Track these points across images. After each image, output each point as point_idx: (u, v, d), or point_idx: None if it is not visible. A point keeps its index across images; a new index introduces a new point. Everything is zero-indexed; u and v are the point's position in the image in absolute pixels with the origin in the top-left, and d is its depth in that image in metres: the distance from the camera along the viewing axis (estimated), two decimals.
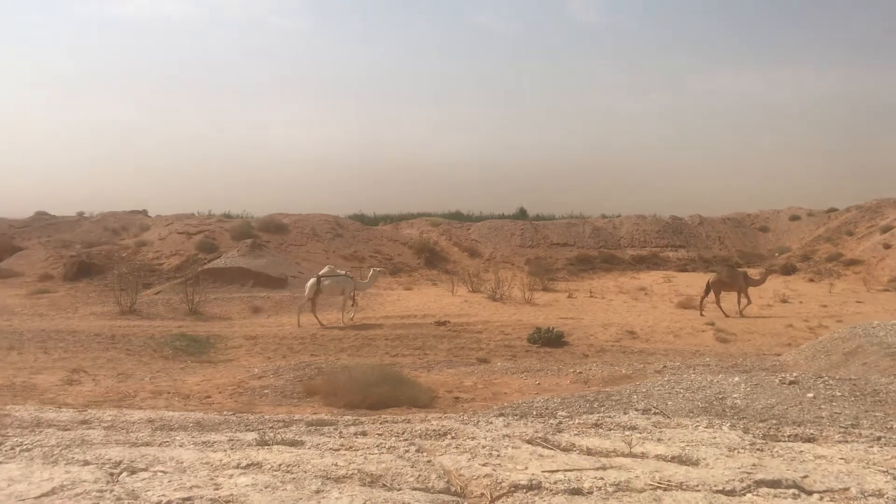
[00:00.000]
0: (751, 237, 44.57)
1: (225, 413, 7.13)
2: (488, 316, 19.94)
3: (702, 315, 20.46)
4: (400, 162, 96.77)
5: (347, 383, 9.02)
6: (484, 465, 4.06)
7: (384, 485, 3.64)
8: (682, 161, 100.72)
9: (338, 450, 4.40)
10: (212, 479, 3.52)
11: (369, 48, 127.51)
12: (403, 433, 5.15)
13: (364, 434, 5.17)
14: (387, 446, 4.52)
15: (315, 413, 7.44)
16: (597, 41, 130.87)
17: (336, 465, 3.89)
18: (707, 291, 21.33)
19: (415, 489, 3.59)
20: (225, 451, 4.30)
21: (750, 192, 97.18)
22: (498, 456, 4.29)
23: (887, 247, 34.55)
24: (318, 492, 3.37)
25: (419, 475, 3.79)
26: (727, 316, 20.33)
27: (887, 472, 4.39)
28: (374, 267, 23.64)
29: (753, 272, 23.39)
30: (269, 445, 4.52)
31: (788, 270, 31.71)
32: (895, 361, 10.12)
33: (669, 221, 43.33)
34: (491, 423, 5.68)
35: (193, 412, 7.21)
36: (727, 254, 40.77)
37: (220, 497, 3.22)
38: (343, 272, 20.44)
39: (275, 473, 3.70)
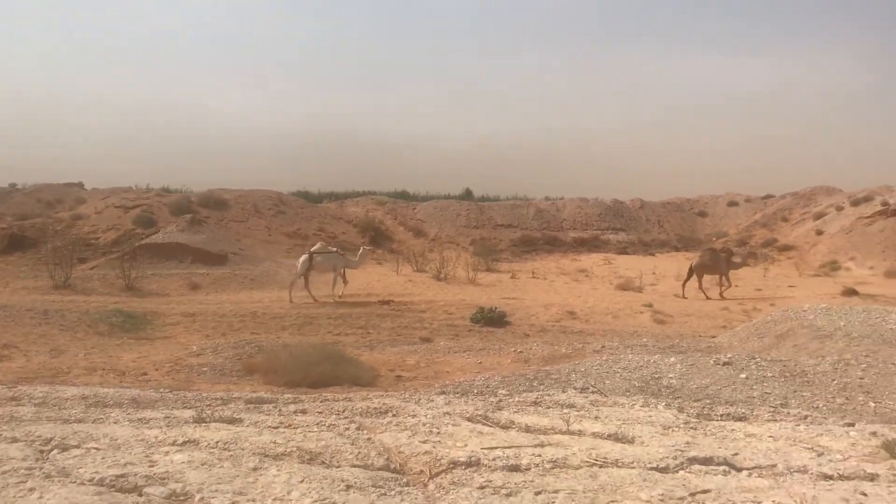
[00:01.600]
0: (689, 221, 45.54)
1: (162, 390, 7.00)
2: (432, 295, 19.99)
3: (683, 297, 21.08)
4: (346, 140, 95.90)
5: (288, 361, 8.93)
6: (424, 442, 4.08)
7: (323, 462, 3.63)
8: (626, 145, 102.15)
9: (277, 427, 4.37)
10: (147, 457, 3.46)
11: (320, 25, 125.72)
12: (344, 411, 5.14)
13: (304, 412, 5.14)
14: (327, 424, 4.51)
15: (254, 391, 7.36)
16: (548, 24, 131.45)
17: (275, 442, 3.86)
18: (690, 274, 21.87)
19: (354, 466, 3.59)
20: (161, 428, 4.24)
21: (690, 178, 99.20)
22: (438, 433, 4.31)
23: (819, 233, 35.74)
24: (255, 469, 3.35)
25: (359, 452, 3.79)
26: (709, 298, 21.00)
27: (812, 449, 4.56)
28: (364, 245, 23.46)
29: (735, 256, 24.08)
30: (206, 423, 4.47)
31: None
32: (823, 344, 10.47)
33: (611, 205, 43.95)
34: (432, 401, 5.71)
35: (129, 389, 7.06)
36: (666, 237, 41.62)
37: (155, 474, 3.17)
38: (334, 249, 20.45)
39: (212, 451, 3.66)
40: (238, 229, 30.74)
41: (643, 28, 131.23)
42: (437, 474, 3.56)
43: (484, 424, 4.67)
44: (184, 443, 3.81)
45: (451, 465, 3.65)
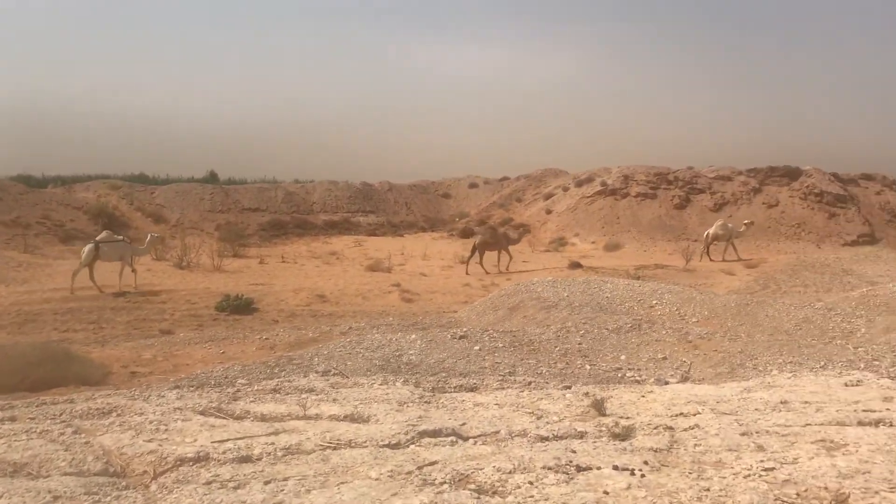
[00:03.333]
0: (435, 203, 47.47)
1: None
2: (173, 285, 19.04)
3: (467, 274, 22.06)
4: (74, 119, 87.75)
5: (1, 364, 8.06)
6: (149, 441, 3.87)
7: (29, 473, 3.32)
8: (374, 130, 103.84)
9: None
10: None
11: None
12: (61, 414, 4.72)
13: (13, 419, 4.65)
14: (38, 431, 4.12)
15: None
16: (294, 3, 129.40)
17: None
18: (473, 252, 22.96)
19: (66, 474, 3.32)
20: None
21: (435, 162, 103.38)
22: (166, 430, 4.11)
23: (549, 212, 38.84)
24: None
25: (73, 459, 3.51)
26: (488, 273, 22.22)
27: (532, 413, 4.94)
28: (151, 233, 22.45)
29: (512, 234, 25.79)
30: None
31: (467, 234, 34.16)
32: (549, 313, 11.40)
33: (360, 188, 44.66)
34: (163, 396, 5.43)
35: None
36: (414, 219, 43.07)
37: None
38: (121, 237, 19.58)
39: None
40: None
41: (390, 13, 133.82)
42: (162, 473, 3.39)
43: (217, 417, 4.52)
44: None
45: (178, 463, 3.50)
